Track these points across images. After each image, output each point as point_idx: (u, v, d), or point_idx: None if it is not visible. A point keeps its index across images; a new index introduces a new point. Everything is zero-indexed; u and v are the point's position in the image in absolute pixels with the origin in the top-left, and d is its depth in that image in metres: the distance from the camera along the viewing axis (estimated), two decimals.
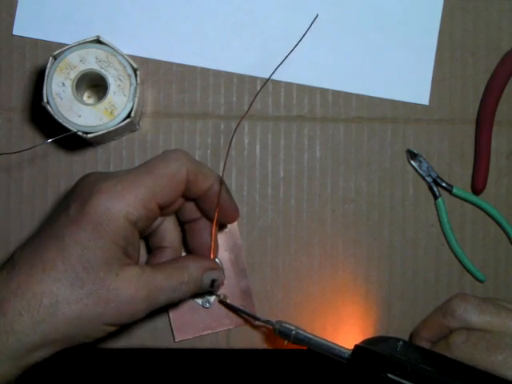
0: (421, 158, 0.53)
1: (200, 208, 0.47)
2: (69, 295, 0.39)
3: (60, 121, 0.46)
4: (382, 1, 0.54)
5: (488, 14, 0.54)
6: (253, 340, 0.52)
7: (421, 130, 0.54)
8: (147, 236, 0.48)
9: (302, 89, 0.53)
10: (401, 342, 0.46)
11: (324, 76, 0.53)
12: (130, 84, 0.47)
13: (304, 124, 0.53)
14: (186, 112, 0.53)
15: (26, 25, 0.52)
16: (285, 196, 0.53)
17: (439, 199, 0.53)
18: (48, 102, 0.46)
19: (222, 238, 0.52)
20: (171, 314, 0.51)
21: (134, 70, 0.47)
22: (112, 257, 0.40)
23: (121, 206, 0.40)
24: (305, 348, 0.49)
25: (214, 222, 0.47)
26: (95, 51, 0.46)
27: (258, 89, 0.53)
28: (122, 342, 0.52)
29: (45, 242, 0.40)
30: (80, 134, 0.46)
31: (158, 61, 0.53)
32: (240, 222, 0.52)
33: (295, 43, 0.51)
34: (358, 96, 0.53)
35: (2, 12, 0.52)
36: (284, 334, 0.47)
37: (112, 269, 0.40)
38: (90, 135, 0.46)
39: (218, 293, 0.51)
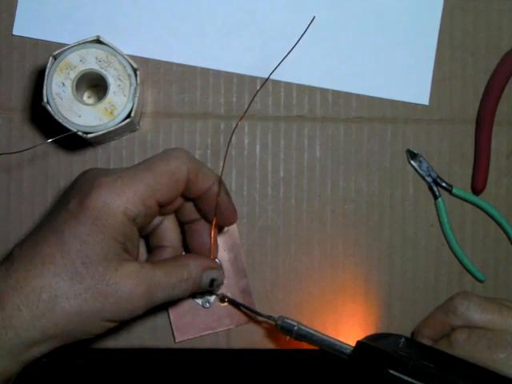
0: (421, 158, 0.53)
1: (199, 209, 0.47)
2: (68, 290, 0.39)
3: (60, 121, 0.46)
4: (382, 1, 0.54)
5: (488, 14, 0.54)
6: (253, 340, 0.52)
7: (421, 130, 0.54)
8: (147, 235, 0.48)
9: (302, 89, 0.53)
10: (403, 339, 0.46)
11: (324, 76, 0.53)
12: (130, 84, 0.47)
13: (304, 124, 0.53)
14: (186, 112, 0.53)
15: (26, 25, 0.52)
16: (285, 196, 0.53)
17: (439, 199, 0.53)
18: (48, 102, 0.46)
19: (221, 238, 0.52)
20: (171, 315, 0.51)
21: (134, 70, 0.47)
22: (111, 252, 0.40)
23: (120, 201, 0.40)
24: (305, 348, 0.49)
25: (213, 223, 0.47)
26: (95, 51, 0.46)
27: (258, 89, 0.53)
28: (122, 342, 0.52)
29: (44, 237, 0.40)
30: (80, 134, 0.46)
31: (158, 61, 0.53)
32: (240, 222, 0.52)
33: (295, 43, 0.51)
34: (357, 96, 0.53)
35: (2, 12, 0.52)
36: (286, 329, 0.47)
37: (111, 264, 0.40)
38: (90, 135, 0.46)
39: (218, 292, 0.51)
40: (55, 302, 0.39)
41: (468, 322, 0.46)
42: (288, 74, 0.53)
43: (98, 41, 0.47)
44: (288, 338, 0.48)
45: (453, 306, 0.47)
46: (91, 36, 0.46)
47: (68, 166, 0.52)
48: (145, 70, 0.52)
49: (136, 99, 0.47)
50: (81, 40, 0.46)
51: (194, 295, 0.51)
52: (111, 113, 0.46)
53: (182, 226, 0.49)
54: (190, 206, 0.47)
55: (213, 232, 0.47)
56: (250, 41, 0.53)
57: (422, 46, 0.54)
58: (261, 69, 0.52)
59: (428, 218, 0.53)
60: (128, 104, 0.47)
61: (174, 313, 0.51)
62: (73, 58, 0.46)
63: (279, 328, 0.48)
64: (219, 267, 0.47)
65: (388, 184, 0.53)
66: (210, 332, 0.52)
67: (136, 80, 0.47)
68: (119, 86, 0.47)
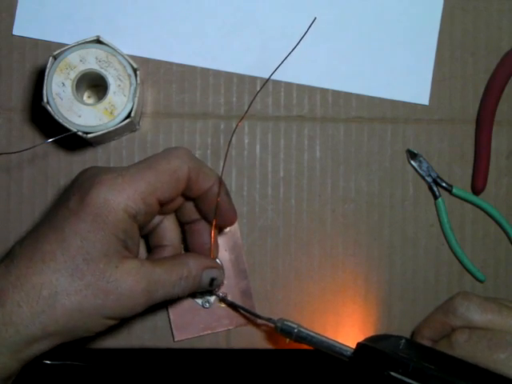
0: (421, 158, 0.53)
1: (199, 209, 0.47)
2: (68, 286, 0.39)
3: (60, 121, 0.46)
4: (382, 1, 0.54)
5: (488, 14, 0.54)
6: (253, 340, 0.52)
7: (421, 130, 0.54)
8: (147, 234, 0.48)
9: (302, 89, 0.53)
10: (403, 340, 0.46)
11: (324, 76, 0.53)
12: (130, 84, 0.47)
13: (304, 124, 0.53)
14: (186, 112, 0.53)
15: (26, 25, 0.52)
16: (285, 196, 0.53)
17: (439, 199, 0.53)
18: (48, 102, 0.46)
19: (222, 238, 0.52)
20: (171, 314, 0.51)
21: (134, 70, 0.47)
22: (111, 249, 0.40)
23: (120, 198, 0.40)
24: (305, 348, 0.49)
25: (214, 224, 0.47)
26: (95, 51, 0.46)
27: (258, 89, 0.53)
28: (122, 342, 0.52)
29: (44, 235, 0.40)
30: (80, 134, 0.46)
31: (158, 61, 0.53)
32: (240, 222, 0.52)
33: (295, 43, 0.51)
34: (358, 96, 0.53)
35: (2, 12, 0.52)
36: (286, 331, 0.47)
37: (111, 261, 0.40)
38: (90, 135, 0.46)
39: (218, 293, 0.51)
40: (55, 298, 0.39)
41: (468, 322, 0.46)
42: (288, 74, 0.53)
43: (98, 41, 0.47)
44: (288, 340, 0.48)
45: (453, 307, 0.47)
46: (91, 36, 0.46)
47: (68, 166, 0.52)
48: (145, 70, 0.52)
49: (136, 99, 0.47)
50: (81, 40, 0.46)
51: (194, 295, 0.51)
52: (111, 113, 0.46)
53: (182, 226, 0.49)
54: (190, 205, 0.47)
55: (213, 232, 0.47)
56: (250, 41, 0.53)
57: (422, 46, 0.54)
58: (261, 69, 0.52)
59: (428, 218, 0.53)
60: (128, 104, 0.47)
61: (173, 312, 0.51)
62: (73, 58, 0.46)
63: (279, 330, 0.48)
64: (219, 267, 0.47)
65: (388, 184, 0.53)
66: (210, 332, 0.52)
67: (136, 80, 0.47)
68: (119, 86, 0.47)
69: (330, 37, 0.53)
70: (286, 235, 0.53)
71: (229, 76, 0.53)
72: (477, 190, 0.53)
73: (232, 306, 0.51)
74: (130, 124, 0.47)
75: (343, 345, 0.46)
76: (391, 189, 0.53)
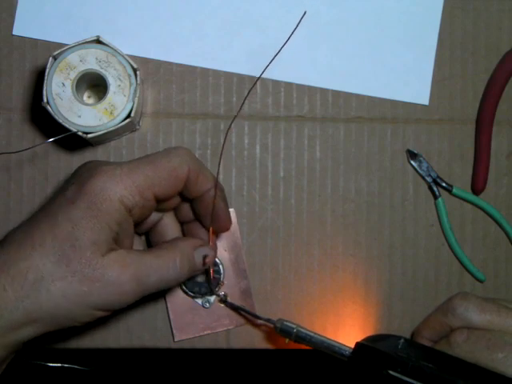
0: (421, 158, 0.53)
1: (195, 211, 0.46)
2: (54, 272, 0.39)
3: (60, 121, 0.46)
4: (382, 1, 0.54)
5: (488, 14, 0.54)
6: (253, 340, 0.52)
7: (421, 129, 0.54)
8: (148, 232, 0.48)
9: (302, 89, 0.53)
10: (402, 340, 0.46)
11: (324, 76, 0.53)
12: (130, 84, 0.47)
13: (304, 124, 0.53)
14: (186, 112, 0.53)
15: (26, 25, 0.52)
16: (285, 196, 0.53)
17: (439, 199, 0.53)
18: (48, 102, 0.46)
19: (222, 238, 0.52)
20: (171, 314, 0.51)
21: (134, 70, 0.47)
22: (101, 238, 0.40)
23: (117, 188, 0.40)
24: (304, 348, 0.49)
25: (211, 230, 0.46)
26: (95, 51, 0.46)
27: (258, 89, 0.53)
28: (122, 342, 0.52)
29: (37, 221, 0.40)
30: (80, 134, 0.46)
31: (158, 61, 0.53)
32: (240, 222, 0.52)
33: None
34: (358, 96, 0.53)
35: (2, 12, 0.52)
36: (285, 332, 0.47)
37: (99, 249, 0.40)
38: (89, 135, 0.46)
39: (219, 292, 0.51)
40: (40, 283, 0.39)
41: (467, 322, 0.46)
42: (288, 74, 0.53)
43: (97, 41, 0.47)
44: (287, 340, 0.48)
45: (451, 307, 0.47)
46: (91, 36, 0.46)
47: (68, 166, 0.52)
48: (145, 70, 0.52)
49: (136, 99, 0.47)
50: (81, 40, 0.46)
51: (194, 295, 0.51)
52: (111, 113, 0.46)
53: (181, 224, 0.49)
54: (187, 206, 0.47)
55: (211, 235, 0.47)
56: (249, 41, 0.53)
57: (422, 46, 0.54)
58: (261, 69, 0.52)
59: (428, 218, 0.53)
60: (128, 104, 0.47)
61: (173, 312, 0.51)
62: (73, 58, 0.46)
63: (278, 331, 0.48)
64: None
65: (388, 184, 0.53)
66: (210, 332, 0.52)
67: (136, 80, 0.47)
68: (119, 86, 0.47)
69: (330, 37, 0.53)
70: (286, 235, 0.53)
71: (229, 76, 0.53)
72: (477, 189, 0.53)
73: (232, 307, 0.51)
74: (130, 124, 0.47)
75: (342, 344, 0.47)
76: (391, 189, 0.53)
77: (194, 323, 0.51)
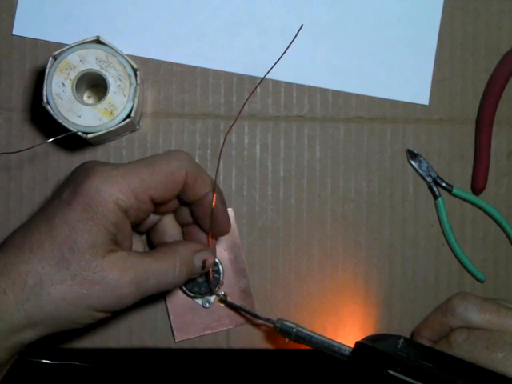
0: (421, 158, 0.53)
1: (193, 215, 0.46)
2: (53, 275, 0.39)
3: (60, 121, 0.46)
4: (382, 1, 0.54)
5: (488, 14, 0.54)
6: (253, 340, 0.52)
7: (421, 129, 0.54)
8: (148, 232, 0.48)
9: (302, 89, 0.53)
10: (401, 340, 0.46)
11: (324, 76, 0.53)
12: (130, 84, 0.47)
13: (304, 124, 0.53)
14: (186, 112, 0.53)
15: (26, 25, 0.52)
16: (285, 196, 0.53)
17: (439, 199, 0.53)
18: (48, 102, 0.46)
19: (221, 238, 0.52)
20: (171, 315, 0.51)
21: (134, 70, 0.47)
22: (99, 240, 0.40)
23: (112, 190, 0.40)
24: (304, 348, 0.49)
25: (209, 234, 0.46)
26: (95, 51, 0.46)
27: (258, 89, 0.53)
28: (123, 342, 0.52)
29: (35, 224, 0.40)
30: (80, 134, 0.46)
31: (158, 61, 0.53)
32: (240, 222, 0.52)
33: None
34: (358, 96, 0.53)
35: (2, 12, 0.52)
36: (285, 331, 0.47)
37: (98, 252, 0.40)
38: (89, 135, 0.46)
39: (218, 292, 0.51)
40: (40, 286, 0.39)
41: (466, 322, 0.46)
42: (288, 74, 0.53)
43: (97, 41, 0.47)
44: (287, 340, 0.48)
45: (451, 307, 0.47)
46: (91, 36, 0.46)
47: (68, 166, 0.52)
48: (145, 70, 0.52)
49: (136, 99, 0.47)
50: (81, 40, 0.46)
51: (194, 296, 0.51)
52: (111, 113, 0.46)
53: (181, 226, 0.49)
54: (186, 210, 0.47)
55: (209, 237, 0.47)
56: (249, 41, 0.53)
57: (422, 46, 0.54)
58: (261, 69, 0.52)
59: (428, 218, 0.53)
60: (128, 104, 0.47)
61: (173, 313, 0.51)
62: (73, 58, 0.46)
63: (278, 331, 0.48)
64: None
65: (388, 184, 0.53)
66: (210, 332, 0.52)
67: (136, 80, 0.47)
68: (119, 86, 0.47)
69: (330, 37, 0.53)
70: (286, 235, 0.53)
71: (229, 76, 0.53)
72: (477, 189, 0.53)
73: (232, 306, 0.51)
74: (130, 124, 0.47)
75: (342, 344, 0.47)
76: (391, 189, 0.53)
77: (194, 323, 0.51)
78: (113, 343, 0.52)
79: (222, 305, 0.52)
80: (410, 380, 0.42)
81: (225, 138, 0.52)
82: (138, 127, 0.52)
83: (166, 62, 0.53)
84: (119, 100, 0.46)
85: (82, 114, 0.46)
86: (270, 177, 0.53)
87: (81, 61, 0.46)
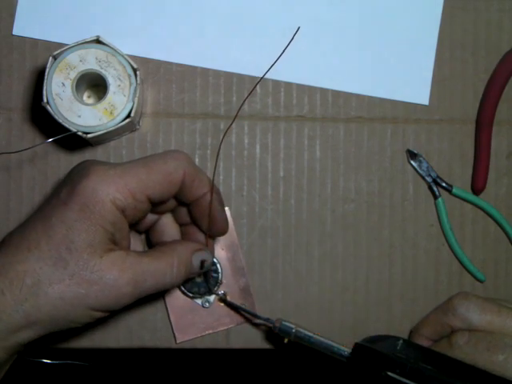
0: (421, 158, 0.53)
1: (191, 215, 0.46)
2: (51, 275, 0.39)
3: (60, 121, 0.46)
4: (382, 1, 0.54)
5: (488, 14, 0.54)
6: (253, 339, 0.52)
7: (421, 129, 0.54)
8: (147, 231, 0.48)
9: (302, 89, 0.53)
10: (401, 341, 0.46)
11: (324, 76, 0.53)
12: (130, 84, 0.47)
13: (304, 124, 0.53)
14: (186, 112, 0.53)
15: (26, 25, 0.52)
16: (285, 196, 0.53)
17: (439, 199, 0.53)
18: (48, 102, 0.46)
19: (219, 238, 0.51)
20: (171, 315, 0.51)
21: (134, 70, 0.47)
22: (97, 240, 0.40)
23: (109, 189, 0.40)
24: (304, 348, 0.49)
25: (207, 235, 0.46)
26: (95, 51, 0.46)
27: (258, 89, 0.53)
28: (123, 343, 0.52)
29: (33, 224, 0.40)
30: (80, 134, 0.46)
31: (158, 61, 0.53)
32: (240, 222, 0.52)
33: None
34: (358, 96, 0.53)
35: (2, 12, 0.52)
36: (284, 332, 0.47)
37: (96, 251, 0.40)
38: (89, 135, 0.46)
39: (218, 291, 0.51)
40: (38, 286, 0.39)
41: (467, 322, 0.46)
42: (288, 73, 0.53)
43: (97, 41, 0.47)
44: (286, 340, 0.48)
45: (452, 307, 0.47)
46: (91, 36, 0.46)
47: (68, 166, 0.52)
48: (145, 70, 0.52)
49: (136, 99, 0.47)
50: (81, 40, 0.46)
51: (193, 296, 0.51)
52: (111, 113, 0.46)
53: (179, 226, 0.48)
54: (184, 210, 0.47)
55: (207, 237, 0.47)
56: (249, 41, 0.53)
57: (422, 46, 0.54)
58: (261, 69, 0.52)
59: (428, 218, 0.53)
60: (128, 104, 0.47)
61: (174, 313, 0.51)
62: (73, 58, 0.46)
63: (277, 331, 0.48)
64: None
65: (388, 184, 0.53)
66: (211, 332, 0.52)
67: (136, 80, 0.47)
68: (119, 86, 0.47)
69: (330, 37, 0.53)
70: (286, 235, 0.53)
71: (229, 76, 0.53)
72: (477, 189, 0.53)
73: (231, 306, 0.51)
74: (130, 124, 0.47)
75: (341, 345, 0.46)
76: (391, 189, 0.53)
77: (194, 324, 0.52)
78: (112, 343, 0.52)
79: (222, 304, 0.52)
80: (409, 382, 0.42)
81: (222, 138, 0.52)
82: (137, 127, 0.52)
83: (165, 61, 0.53)
84: (119, 100, 0.47)
85: (81, 114, 0.46)
86: (269, 177, 0.53)
87: (81, 61, 0.46)
